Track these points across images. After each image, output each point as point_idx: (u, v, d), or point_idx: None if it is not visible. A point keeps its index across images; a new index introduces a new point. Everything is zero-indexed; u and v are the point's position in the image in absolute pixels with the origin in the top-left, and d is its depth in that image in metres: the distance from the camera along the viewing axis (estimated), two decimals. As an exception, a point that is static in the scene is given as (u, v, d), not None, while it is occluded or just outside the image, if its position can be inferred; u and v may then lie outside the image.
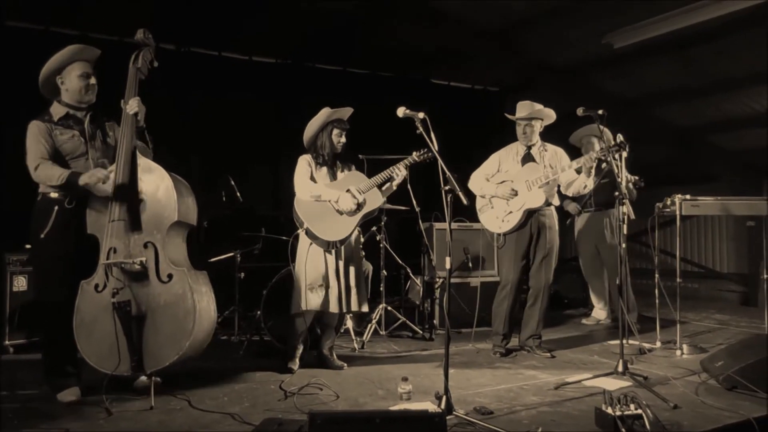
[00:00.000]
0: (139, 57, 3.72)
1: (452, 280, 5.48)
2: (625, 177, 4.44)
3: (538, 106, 4.85)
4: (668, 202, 5.09)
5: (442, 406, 3.15)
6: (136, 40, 3.73)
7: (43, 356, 3.69)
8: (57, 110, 3.64)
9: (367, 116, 4.81)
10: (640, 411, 2.91)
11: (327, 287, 4.22)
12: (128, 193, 3.57)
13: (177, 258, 3.67)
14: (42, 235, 3.53)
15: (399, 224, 6.55)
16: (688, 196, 5.07)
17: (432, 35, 6.84)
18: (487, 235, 6.04)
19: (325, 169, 4.41)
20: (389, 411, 3.28)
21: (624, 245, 4.27)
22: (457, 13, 6.34)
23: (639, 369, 4.11)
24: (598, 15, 6.07)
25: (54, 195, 3.55)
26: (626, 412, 2.91)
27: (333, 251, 4.28)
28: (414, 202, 5.27)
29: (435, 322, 5.90)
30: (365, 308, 4.48)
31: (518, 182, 4.80)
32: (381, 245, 5.62)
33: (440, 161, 3.42)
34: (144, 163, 3.67)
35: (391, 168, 4.27)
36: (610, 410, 2.94)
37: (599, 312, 6.40)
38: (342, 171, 4.47)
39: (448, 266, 3.45)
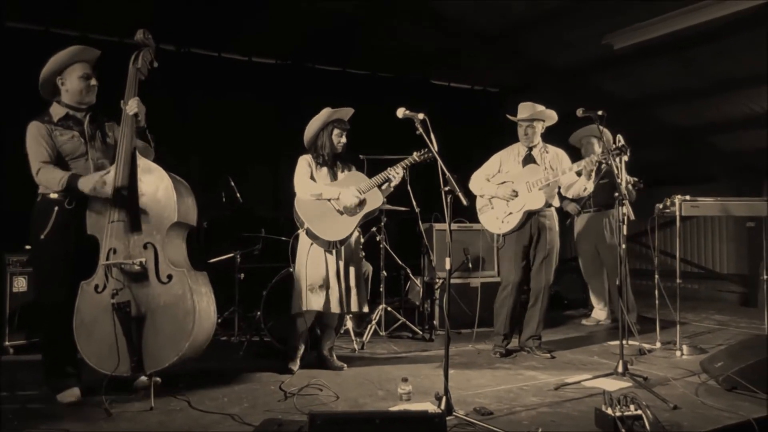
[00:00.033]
0: (139, 57, 3.72)
1: (452, 281, 5.49)
2: (624, 178, 4.45)
3: (540, 108, 4.85)
4: (668, 203, 5.10)
5: (442, 406, 3.15)
6: (136, 41, 3.73)
7: (43, 357, 3.69)
8: (57, 111, 3.64)
9: (367, 117, 4.81)
10: (639, 412, 2.91)
11: (327, 288, 4.22)
12: (128, 194, 3.57)
13: (177, 259, 3.67)
14: (42, 236, 3.53)
15: (399, 225, 6.55)
16: (687, 197, 5.07)
17: (432, 36, 6.83)
18: (487, 236, 6.05)
19: (325, 169, 4.41)
20: (389, 412, 3.28)
21: (624, 246, 4.28)
22: (456, 14, 6.34)
23: (639, 370, 4.11)
24: (598, 16, 6.06)
25: (54, 196, 3.55)
26: (626, 413, 2.91)
27: (333, 252, 4.28)
28: (414, 202, 5.28)
29: (435, 322, 5.90)
30: (365, 309, 4.48)
31: (519, 183, 4.80)
32: (381, 246, 5.63)
33: (440, 162, 3.43)
34: (144, 163, 3.67)
35: (388, 169, 4.28)
36: (609, 411, 2.94)
37: (599, 313, 6.41)
38: (342, 171, 4.47)
39: (447, 267, 3.45)
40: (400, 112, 3.64)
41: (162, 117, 3.81)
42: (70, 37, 5.57)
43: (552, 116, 4.90)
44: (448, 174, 3.37)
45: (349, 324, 5.23)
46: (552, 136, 5.04)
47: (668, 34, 6.06)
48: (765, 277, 5.59)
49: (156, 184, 3.65)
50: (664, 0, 5.65)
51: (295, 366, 4.31)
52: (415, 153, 4.23)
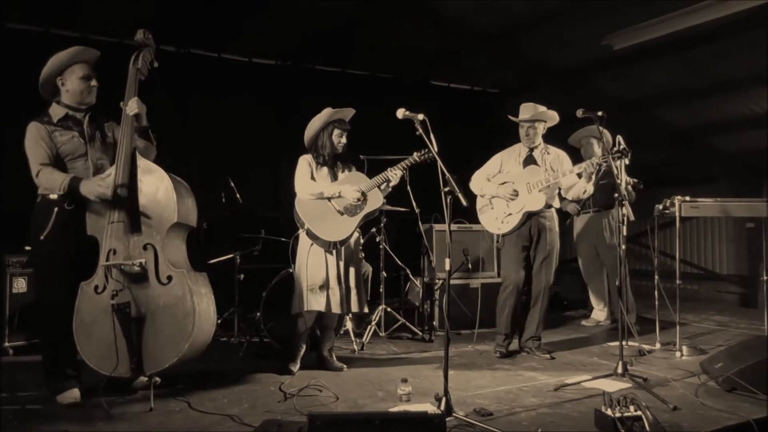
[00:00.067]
0: (139, 58, 3.71)
1: (452, 282, 5.53)
2: (624, 179, 4.45)
3: (542, 108, 4.85)
4: (668, 204, 5.10)
5: (442, 407, 3.14)
6: (136, 41, 3.73)
7: (42, 358, 3.69)
8: (56, 111, 3.64)
9: (367, 117, 4.81)
10: (639, 412, 2.91)
11: (328, 288, 4.22)
12: (128, 195, 3.56)
13: (177, 259, 3.67)
14: (42, 237, 3.53)
15: (399, 226, 6.56)
16: (687, 198, 5.07)
17: (432, 36, 6.84)
18: (487, 236, 6.05)
19: (325, 169, 4.41)
20: (389, 412, 3.28)
21: (623, 246, 4.28)
22: (456, 14, 6.34)
23: (638, 370, 4.10)
24: (598, 16, 6.07)
25: (53, 196, 3.54)
26: (626, 414, 2.91)
27: (333, 252, 4.28)
28: (414, 203, 5.28)
29: (434, 323, 5.90)
30: (365, 310, 4.48)
31: (519, 184, 4.80)
32: (381, 247, 5.62)
33: (440, 162, 3.43)
34: (143, 164, 3.67)
35: (388, 170, 4.28)
36: (609, 412, 2.94)
37: (599, 313, 6.40)
38: (342, 171, 4.47)
39: (447, 268, 3.44)
40: (400, 113, 3.64)
41: (162, 117, 3.81)
42: (70, 38, 5.56)
43: (553, 117, 4.90)
44: (447, 175, 3.37)
45: (349, 325, 5.24)
46: (552, 136, 5.04)
47: (668, 35, 6.06)
48: (765, 277, 5.60)
49: (156, 185, 3.64)
50: (663, 0, 5.65)
51: (296, 366, 4.31)
52: (415, 153, 4.23)
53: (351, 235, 4.31)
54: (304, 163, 4.38)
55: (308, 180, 4.33)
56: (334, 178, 4.42)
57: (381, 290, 5.64)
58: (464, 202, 3.41)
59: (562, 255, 5.27)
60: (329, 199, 4.31)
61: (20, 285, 4.94)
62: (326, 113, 4.35)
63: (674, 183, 6.92)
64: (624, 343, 4.14)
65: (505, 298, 4.87)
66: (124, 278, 3.52)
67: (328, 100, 4.43)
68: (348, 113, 4.44)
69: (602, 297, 6.37)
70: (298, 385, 3.87)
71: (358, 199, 4.27)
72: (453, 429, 3.07)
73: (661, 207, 5.14)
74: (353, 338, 5.19)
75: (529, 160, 4.89)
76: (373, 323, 5.46)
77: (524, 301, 5.01)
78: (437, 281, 5.94)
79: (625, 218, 4.30)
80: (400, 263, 5.92)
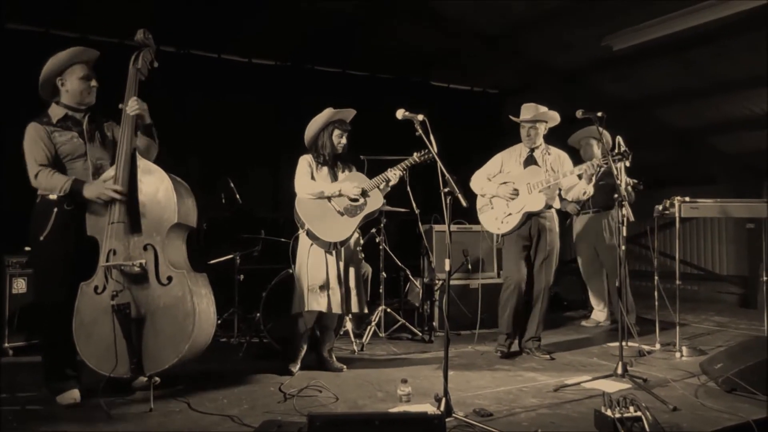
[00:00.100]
0: (139, 58, 3.72)
1: (452, 282, 5.53)
2: (624, 179, 4.45)
3: (543, 109, 4.85)
4: (667, 204, 5.09)
5: (442, 408, 3.15)
6: (136, 41, 3.73)
7: (42, 358, 3.69)
8: (55, 112, 3.64)
9: (367, 118, 4.81)
10: (639, 413, 2.91)
11: (328, 288, 4.22)
12: (128, 195, 3.56)
13: (177, 260, 3.67)
14: (41, 237, 3.52)
15: (398, 226, 6.56)
16: (687, 198, 5.07)
17: (432, 37, 6.84)
18: (487, 237, 6.05)
19: (325, 169, 4.41)
20: (388, 413, 3.28)
21: (623, 247, 4.28)
22: (456, 15, 6.35)
23: (638, 371, 4.10)
24: (598, 17, 6.07)
25: (53, 197, 3.54)
26: (625, 414, 2.91)
27: (333, 253, 4.28)
28: (413, 204, 5.28)
29: (434, 324, 5.89)
30: (365, 310, 4.48)
31: (519, 184, 4.80)
32: (380, 247, 5.62)
33: (439, 163, 3.43)
34: (144, 164, 3.67)
35: (388, 170, 4.29)
36: (609, 412, 2.94)
37: (599, 314, 6.40)
38: (343, 171, 4.47)
39: (447, 268, 3.44)
40: (400, 114, 3.64)
41: (162, 118, 3.81)
42: (70, 39, 5.56)
43: (555, 117, 4.90)
44: (447, 175, 3.37)
45: (349, 325, 5.23)
46: (552, 137, 5.04)
47: (668, 36, 6.06)
48: (764, 278, 5.59)
49: (156, 186, 3.64)
50: (663, 1, 5.65)
51: (296, 367, 4.31)
52: (415, 154, 4.23)
53: (351, 235, 4.31)
54: (305, 163, 4.38)
55: (308, 180, 4.34)
56: (335, 178, 4.43)
57: (381, 291, 5.64)
58: (464, 203, 3.40)
59: (562, 255, 5.27)
60: (329, 198, 4.31)
61: (20, 285, 4.94)
62: (327, 113, 4.36)
63: (674, 183, 6.93)
64: (624, 343, 4.14)
65: (507, 298, 4.86)
66: (124, 279, 3.52)
67: (328, 100, 4.43)
68: (349, 114, 4.44)
69: (602, 297, 6.37)
70: (297, 385, 3.87)
71: (358, 195, 4.26)
72: (453, 429, 3.07)
73: (660, 208, 5.14)
74: (353, 339, 5.19)
75: (530, 161, 4.89)
76: (373, 324, 5.46)
77: (526, 300, 5.01)
78: (437, 282, 5.93)
79: (625, 219, 4.30)
80: (399, 264, 5.92)
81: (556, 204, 4.95)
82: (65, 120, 3.64)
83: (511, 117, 4.97)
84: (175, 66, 6.57)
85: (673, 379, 4.02)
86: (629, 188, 5.69)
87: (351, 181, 4.35)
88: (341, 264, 4.30)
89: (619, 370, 3.95)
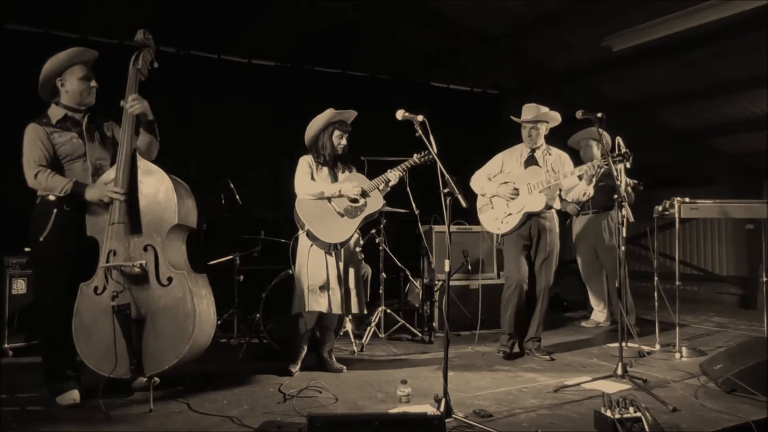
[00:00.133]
0: (140, 58, 3.71)
1: (452, 283, 5.52)
2: (624, 180, 4.45)
3: (544, 109, 4.85)
4: (667, 205, 5.10)
5: (441, 408, 3.15)
6: (137, 41, 3.73)
7: (42, 359, 3.69)
8: (55, 112, 3.64)
9: (367, 118, 4.81)
10: (639, 414, 2.91)
11: (328, 289, 4.23)
12: (128, 196, 3.56)
13: (177, 261, 3.67)
14: (41, 238, 3.53)
15: (398, 227, 6.55)
16: (687, 199, 5.07)
17: (431, 37, 6.84)
18: (487, 237, 6.05)
19: (326, 169, 4.42)
20: (388, 414, 3.28)
21: (623, 248, 4.28)
22: (456, 15, 6.35)
23: (638, 372, 4.09)
24: (597, 18, 6.07)
25: (53, 198, 3.54)
26: (625, 415, 2.91)
27: (333, 253, 4.28)
28: (413, 204, 5.27)
29: (434, 324, 5.89)
30: (365, 311, 4.49)
31: (520, 184, 4.80)
32: (380, 248, 5.62)
33: (439, 164, 3.43)
34: (144, 165, 3.67)
35: (388, 171, 4.30)
36: (609, 413, 2.94)
37: (598, 315, 6.40)
38: (343, 172, 4.47)
39: (447, 269, 3.44)
40: (400, 114, 3.64)
41: (162, 118, 3.81)
42: (70, 39, 5.56)
43: (556, 118, 4.90)
44: (447, 176, 3.37)
45: (349, 326, 5.23)
46: (551, 137, 5.04)
47: (668, 36, 6.07)
48: (764, 279, 5.59)
49: (156, 186, 3.64)
50: (663, 1, 5.66)
51: (296, 367, 4.31)
52: (415, 155, 4.23)
53: (351, 236, 4.31)
54: (305, 163, 4.39)
55: (308, 180, 4.34)
56: (335, 178, 4.43)
57: (381, 291, 5.64)
58: (464, 204, 3.40)
59: (561, 256, 5.27)
60: (329, 199, 4.31)
61: (20, 286, 4.94)
62: (328, 114, 4.36)
63: (674, 184, 6.93)
64: (623, 344, 4.14)
65: (508, 298, 4.85)
66: (125, 279, 3.52)
67: (328, 101, 4.43)
68: (350, 115, 4.45)
69: (602, 298, 6.37)
70: (297, 386, 3.87)
71: (358, 195, 4.26)
72: (452, 430, 3.07)
73: (660, 208, 5.14)
74: (353, 339, 5.18)
75: (531, 161, 4.89)
76: (373, 324, 5.46)
77: (527, 300, 5.00)
78: (437, 282, 5.93)
79: (625, 220, 4.30)
80: (399, 264, 5.92)
81: (557, 204, 4.94)
82: (65, 120, 3.64)
83: (512, 117, 4.97)
84: (175, 66, 6.57)
85: (672, 379, 4.02)
86: (629, 189, 5.69)
87: (351, 182, 4.35)
88: (341, 264, 4.30)
89: (619, 371, 3.96)
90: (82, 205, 3.59)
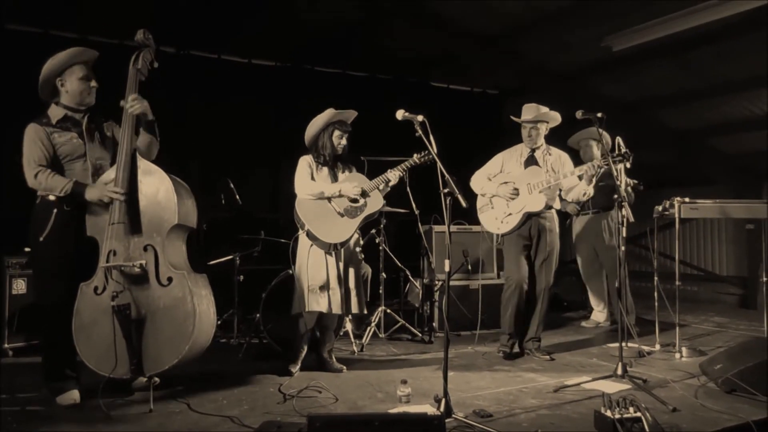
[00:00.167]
0: (140, 58, 3.71)
1: (452, 283, 5.52)
2: (624, 180, 4.44)
3: (544, 109, 4.85)
4: (667, 205, 5.10)
5: (441, 408, 3.15)
6: (137, 41, 3.73)
7: (42, 359, 3.69)
8: (55, 112, 3.64)
9: (367, 119, 4.81)
10: (639, 414, 2.91)
11: (328, 289, 4.22)
12: (128, 196, 3.57)
13: (177, 261, 3.67)
14: (41, 238, 3.53)
15: (398, 227, 6.55)
16: (687, 199, 5.07)
17: (431, 37, 6.84)
18: (487, 237, 6.05)
19: (326, 169, 4.42)
20: (388, 414, 3.28)
21: (623, 248, 4.28)
22: (456, 16, 6.35)
23: (638, 372, 4.10)
24: (597, 18, 6.07)
25: (53, 198, 3.54)
26: (625, 415, 2.91)
27: (333, 253, 4.28)
28: (413, 204, 5.27)
29: (434, 324, 5.88)
30: (364, 311, 4.49)
31: (520, 184, 4.80)
32: (380, 248, 5.62)
33: (439, 164, 3.43)
34: (144, 165, 3.67)
35: (388, 171, 4.30)
36: (609, 413, 2.94)
37: (598, 315, 6.40)
38: (343, 172, 4.47)
39: (447, 269, 3.44)
40: (400, 114, 3.64)
41: (161, 119, 3.81)
42: (70, 39, 5.57)
43: (556, 118, 4.90)
44: (447, 176, 3.38)
45: (349, 326, 5.23)
46: (551, 137, 5.04)
47: (668, 36, 6.07)
48: (764, 279, 5.59)
49: (156, 186, 3.64)
50: (663, 2, 5.66)
51: (296, 368, 4.31)
52: (415, 155, 4.24)
53: (351, 236, 4.31)
54: (305, 163, 4.38)
55: (308, 180, 4.34)
56: (335, 179, 4.43)
57: (380, 291, 5.64)
58: (464, 204, 3.40)
59: (561, 256, 5.27)
60: (329, 199, 4.31)
61: (20, 286, 4.94)
62: (328, 113, 4.36)
63: (674, 184, 6.93)
64: (623, 344, 4.14)
65: (508, 297, 4.85)
66: (125, 279, 3.52)
67: (328, 101, 4.43)
68: (350, 115, 4.44)
69: (602, 298, 6.37)
70: (297, 386, 3.87)
71: (358, 196, 4.26)
72: (452, 430, 3.07)
73: (660, 208, 5.15)
74: (353, 339, 5.18)
75: (531, 161, 4.89)
76: (373, 324, 5.46)
77: (527, 300, 4.99)
78: (437, 282, 5.93)
79: (625, 220, 4.30)
80: (399, 264, 5.92)
81: (557, 204, 4.94)
82: (65, 121, 3.63)
83: (512, 117, 4.97)
84: (175, 66, 6.57)
85: (672, 379, 4.02)
86: (629, 189, 5.69)
87: (351, 182, 4.35)
88: (341, 264, 4.30)
89: (619, 371, 3.96)
90: (82, 205, 3.59)
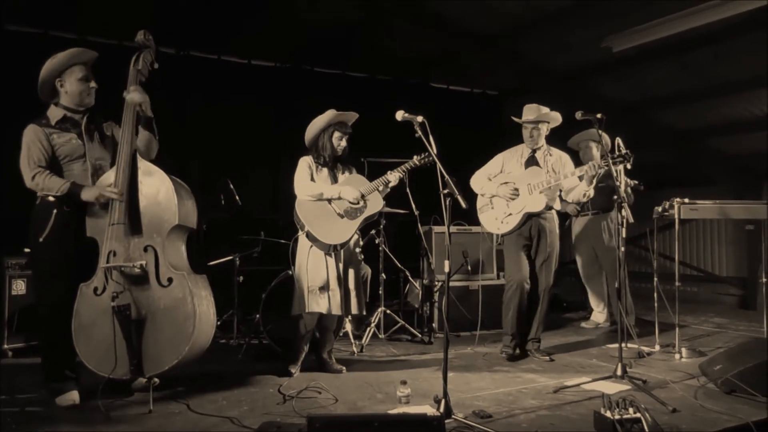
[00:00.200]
0: (140, 58, 3.71)
1: (451, 284, 5.52)
2: (623, 181, 4.44)
3: (545, 110, 4.85)
4: (667, 206, 5.10)
5: (441, 409, 3.15)
6: (137, 42, 3.73)
7: (41, 360, 3.69)
8: (54, 113, 3.64)
9: (367, 119, 4.81)
10: (638, 415, 2.91)
11: (328, 290, 4.22)
12: (128, 197, 3.56)
13: (177, 262, 3.67)
14: (41, 239, 3.52)
15: (398, 228, 6.55)
16: (686, 200, 5.07)
17: (431, 38, 6.84)
18: (487, 237, 6.05)
19: (325, 170, 4.41)
20: (388, 414, 3.28)
21: (623, 249, 4.28)
22: (456, 16, 6.35)
23: (638, 372, 4.10)
24: (597, 18, 6.07)
25: (53, 198, 3.54)
26: (625, 416, 2.91)
27: (333, 254, 4.28)
28: (413, 205, 5.28)
29: (434, 325, 5.88)
30: (364, 312, 4.49)
31: (520, 184, 4.80)
32: (380, 249, 5.62)
33: (439, 165, 3.43)
34: (144, 166, 3.67)
35: (388, 173, 4.30)
36: (608, 414, 2.94)
37: (598, 315, 6.40)
38: (343, 173, 4.47)
39: (446, 270, 3.45)
40: (399, 115, 3.64)
41: (161, 120, 3.81)
42: (70, 40, 5.57)
43: (557, 118, 4.90)
44: (447, 177, 3.37)
45: (348, 327, 5.23)
46: (551, 138, 5.04)
47: (668, 37, 6.07)
48: (764, 279, 5.60)
49: (157, 187, 3.65)
50: (663, 2, 5.66)
51: (296, 368, 4.31)
52: (415, 157, 4.23)
53: (351, 238, 4.31)
54: (304, 164, 4.38)
55: (308, 181, 4.33)
56: (335, 180, 4.43)
57: (380, 292, 5.64)
58: (464, 205, 3.40)
59: (561, 257, 5.27)
60: (329, 200, 4.31)
61: (19, 287, 4.93)
62: (329, 114, 4.35)
63: (674, 185, 6.92)
64: (623, 345, 4.15)
65: (510, 298, 4.84)
66: (125, 280, 3.52)
67: (328, 101, 4.43)
68: (351, 117, 4.44)
69: (601, 299, 6.37)
70: (297, 387, 3.87)
71: (357, 200, 4.26)
72: (452, 431, 3.07)
73: (660, 209, 5.14)
74: (352, 340, 5.18)
75: (531, 161, 4.89)
76: (373, 325, 5.46)
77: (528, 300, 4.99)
78: (437, 283, 5.93)
79: (624, 220, 4.30)
80: (399, 265, 5.92)
81: (557, 205, 4.94)
82: (64, 121, 3.63)
83: (513, 118, 4.96)
84: (175, 67, 6.58)
85: (672, 380, 4.02)
86: (629, 190, 5.69)
87: (350, 183, 4.35)
88: (341, 265, 4.30)
89: (619, 372, 3.96)
90: (82, 206, 3.59)
